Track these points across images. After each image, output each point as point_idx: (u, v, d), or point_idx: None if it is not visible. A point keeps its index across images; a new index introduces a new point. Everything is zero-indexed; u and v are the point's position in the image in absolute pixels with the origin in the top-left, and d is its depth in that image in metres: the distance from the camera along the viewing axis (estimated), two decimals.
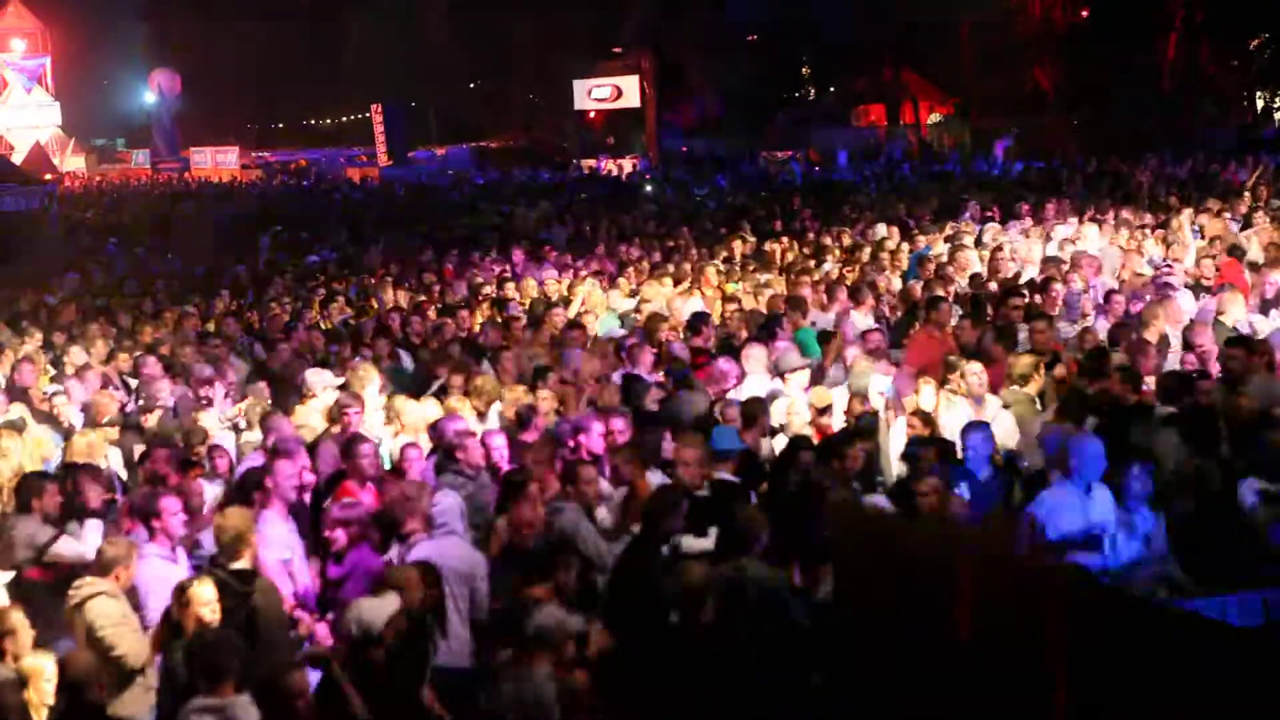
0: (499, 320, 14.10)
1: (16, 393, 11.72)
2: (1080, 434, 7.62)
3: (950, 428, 9.23)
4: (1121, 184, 24.29)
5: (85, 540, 7.75)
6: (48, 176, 52.09)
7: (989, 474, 8.15)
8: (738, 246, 18.31)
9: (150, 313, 16.42)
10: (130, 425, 10.71)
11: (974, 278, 14.25)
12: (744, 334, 12.27)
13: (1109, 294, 12.46)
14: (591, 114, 56.81)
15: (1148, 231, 16.78)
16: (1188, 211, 17.86)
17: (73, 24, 65.61)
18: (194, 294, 18.07)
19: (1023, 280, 14.21)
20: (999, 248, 15.86)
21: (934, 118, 53.13)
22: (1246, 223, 16.97)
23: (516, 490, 7.76)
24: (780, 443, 9.38)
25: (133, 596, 7.13)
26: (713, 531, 7.48)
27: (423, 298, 16.38)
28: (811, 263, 16.49)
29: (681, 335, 12.36)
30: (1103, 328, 11.57)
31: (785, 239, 18.83)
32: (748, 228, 20.48)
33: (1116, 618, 5.54)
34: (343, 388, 10.96)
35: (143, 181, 56.01)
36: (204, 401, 11.17)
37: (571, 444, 8.90)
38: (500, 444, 8.97)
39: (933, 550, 6.51)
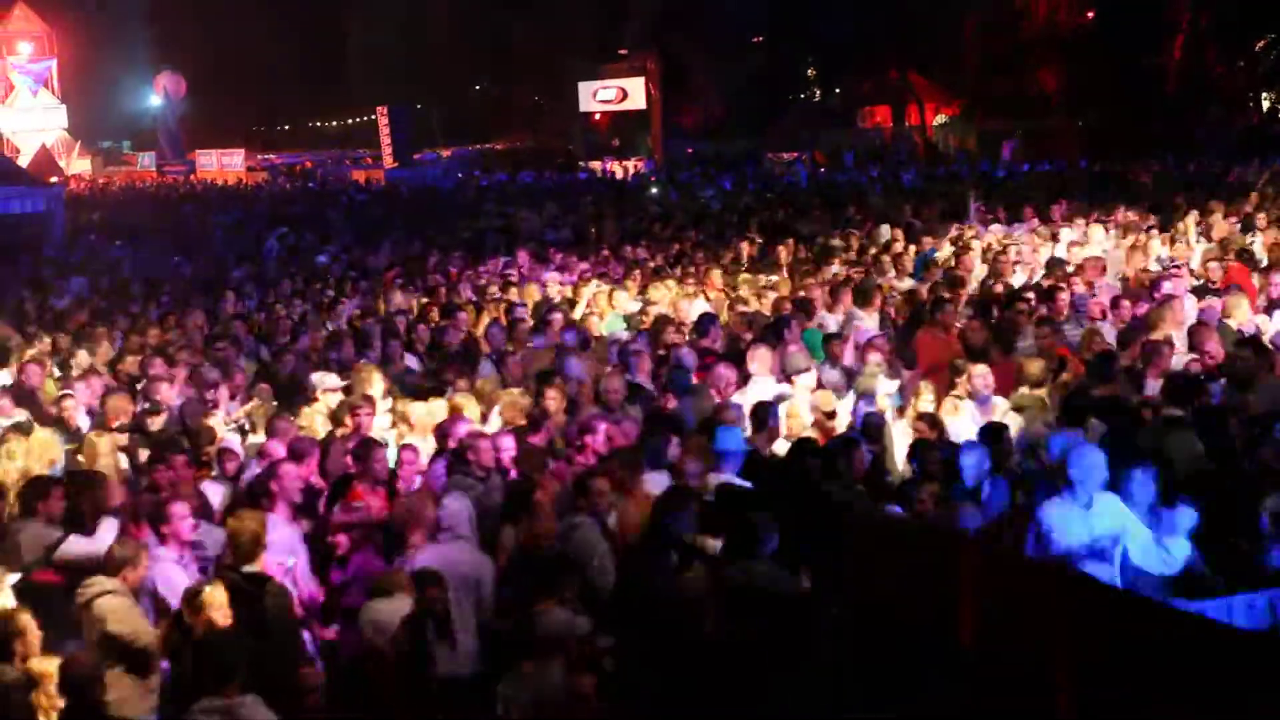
0: (504, 323, 14.10)
1: (23, 395, 11.73)
2: (1081, 444, 7.58)
3: (957, 431, 9.22)
4: (1126, 185, 24.26)
5: (99, 539, 7.75)
6: (54, 179, 52.12)
7: (989, 486, 8.14)
8: (745, 248, 18.31)
9: (156, 316, 16.43)
10: (136, 428, 10.71)
11: (983, 281, 14.26)
12: (748, 336, 12.26)
13: (1116, 298, 12.45)
14: (596, 116, 56.84)
15: (1154, 232, 16.78)
16: (1194, 213, 17.84)
17: (79, 27, 65.73)
18: (200, 296, 18.09)
19: (1026, 282, 14.21)
20: (1003, 250, 15.86)
21: (939, 119, 53.13)
22: (1247, 224, 16.95)
23: (524, 500, 7.77)
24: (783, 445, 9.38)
25: (148, 599, 7.15)
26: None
27: (428, 300, 16.38)
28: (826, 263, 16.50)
29: (688, 338, 12.35)
30: (1109, 331, 11.57)
31: (791, 241, 18.83)
32: (755, 229, 20.49)
33: (1120, 620, 5.54)
34: (347, 390, 10.98)
35: (148, 184, 56.10)
36: (210, 404, 11.19)
37: (578, 444, 8.93)
38: (509, 445, 8.95)
39: (936, 553, 6.52)
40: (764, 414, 9.39)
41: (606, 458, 8.60)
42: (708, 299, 14.60)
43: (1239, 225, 16.92)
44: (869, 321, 12.87)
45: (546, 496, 7.92)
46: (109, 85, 70.37)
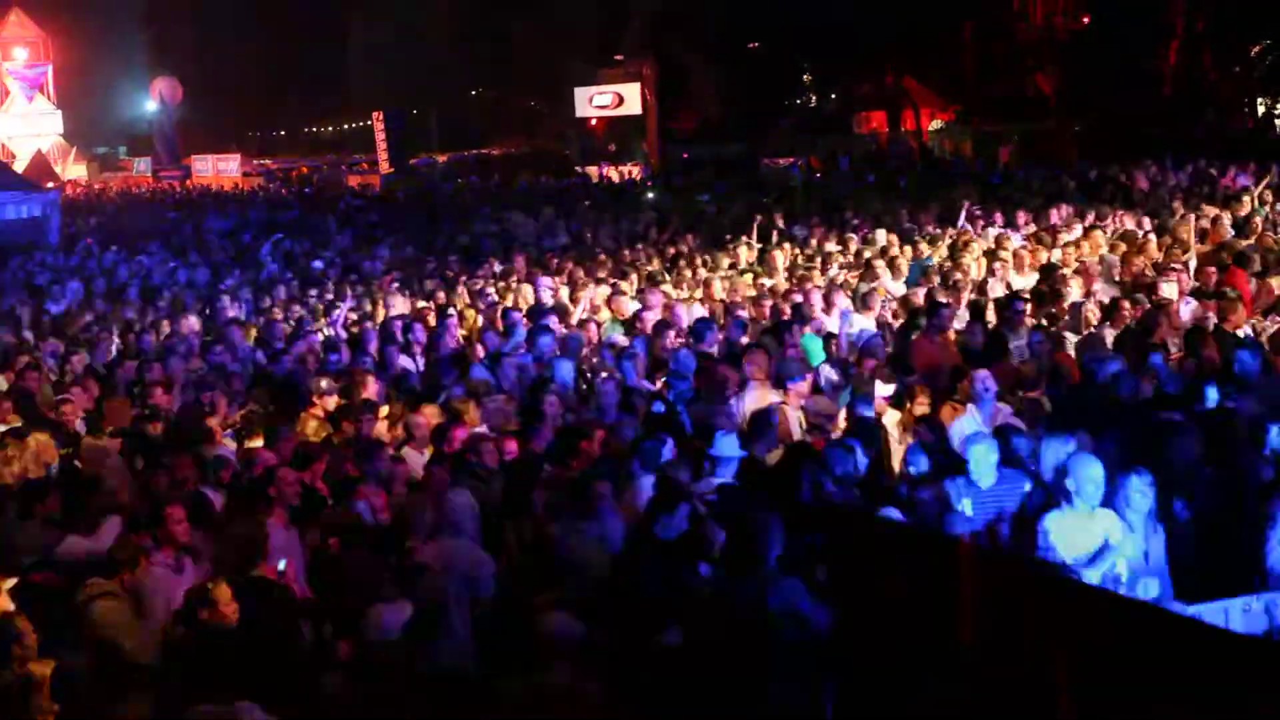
0: (499, 327, 14.11)
1: (20, 400, 11.72)
2: (1079, 454, 7.57)
3: (959, 435, 9.22)
4: (1122, 190, 24.27)
5: (100, 538, 7.74)
6: (49, 185, 52.13)
7: (993, 484, 8.13)
8: (743, 253, 18.31)
9: (152, 320, 16.43)
10: (132, 433, 10.70)
11: (978, 285, 14.28)
12: (744, 341, 12.27)
13: (1114, 301, 12.46)
14: (593, 121, 56.90)
15: (1151, 237, 16.79)
16: (1191, 217, 17.85)
17: (74, 32, 65.70)
18: (197, 301, 18.09)
19: (1021, 287, 14.23)
20: (997, 254, 15.88)
21: (935, 124, 53.21)
22: (1240, 229, 16.98)
23: (523, 500, 7.80)
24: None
25: (139, 602, 7.15)
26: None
27: (424, 305, 16.38)
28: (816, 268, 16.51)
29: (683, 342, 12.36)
30: (1107, 335, 11.58)
31: (787, 245, 18.84)
32: (753, 234, 20.49)
33: (1119, 623, 5.54)
34: (343, 395, 10.98)
35: (144, 189, 56.08)
36: (207, 408, 11.18)
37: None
38: (514, 447, 8.99)
39: (934, 556, 6.52)
40: (762, 421, 9.39)
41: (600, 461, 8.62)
42: (704, 304, 14.62)
43: (1233, 230, 16.95)
44: (865, 324, 12.87)
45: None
46: (104, 91, 70.39)
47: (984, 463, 8.10)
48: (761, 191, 32.20)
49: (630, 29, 55.98)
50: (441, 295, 16.90)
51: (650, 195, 33.92)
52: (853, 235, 19.53)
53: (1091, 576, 6.96)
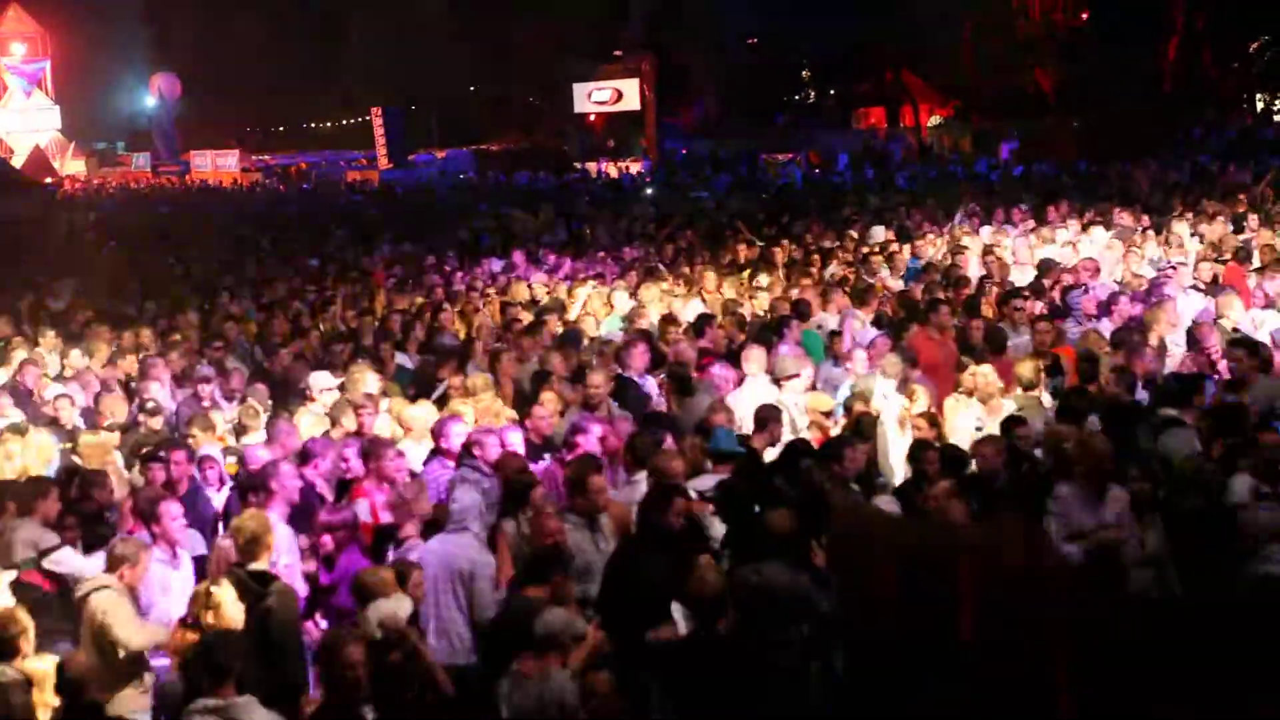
0: (497, 322, 14.13)
1: (19, 395, 11.72)
2: (1092, 438, 7.60)
3: (960, 430, 9.22)
4: (1121, 186, 24.27)
5: (92, 561, 7.72)
6: (48, 180, 52.12)
7: (1000, 482, 8.15)
8: (742, 250, 18.31)
9: (151, 316, 16.42)
10: (128, 428, 10.70)
11: (980, 281, 14.29)
12: (740, 338, 12.28)
13: (1113, 296, 12.47)
14: (592, 117, 56.86)
15: (1150, 234, 16.80)
16: (1189, 215, 17.88)
17: (73, 27, 65.60)
18: (195, 297, 18.08)
19: (1017, 282, 14.23)
20: (994, 251, 15.90)
21: (934, 120, 53.17)
22: (1239, 226, 16.99)
23: (522, 496, 7.79)
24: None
25: (141, 597, 7.16)
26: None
27: (424, 300, 16.38)
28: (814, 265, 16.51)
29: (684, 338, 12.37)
30: (1106, 329, 11.58)
31: (785, 241, 18.84)
32: (750, 230, 20.50)
33: (1120, 617, 5.54)
34: (341, 390, 10.98)
35: (143, 185, 56.01)
36: (205, 404, 11.19)
37: (570, 444, 8.94)
38: (517, 441, 8.99)
39: (935, 550, 6.51)
40: (764, 417, 9.38)
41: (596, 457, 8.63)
42: (703, 300, 14.62)
43: (1231, 226, 16.96)
44: (865, 320, 12.88)
45: (542, 493, 7.94)
46: (103, 86, 70.26)
47: (992, 463, 8.17)
48: (760, 188, 32.19)
49: (629, 25, 55.94)
50: (440, 291, 16.90)
51: (649, 191, 33.89)
52: (852, 232, 19.54)
53: (1089, 553, 7.02)
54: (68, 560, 7.77)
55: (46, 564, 7.72)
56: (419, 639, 6.75)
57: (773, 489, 8.40)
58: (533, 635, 6.15)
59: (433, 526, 7.86)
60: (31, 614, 6.65)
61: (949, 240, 17.71)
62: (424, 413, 10.00)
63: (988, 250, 16.10)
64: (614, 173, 44.80)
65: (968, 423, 9.38)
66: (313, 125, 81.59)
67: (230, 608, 6.55)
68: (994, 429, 9.05)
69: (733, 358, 11.20)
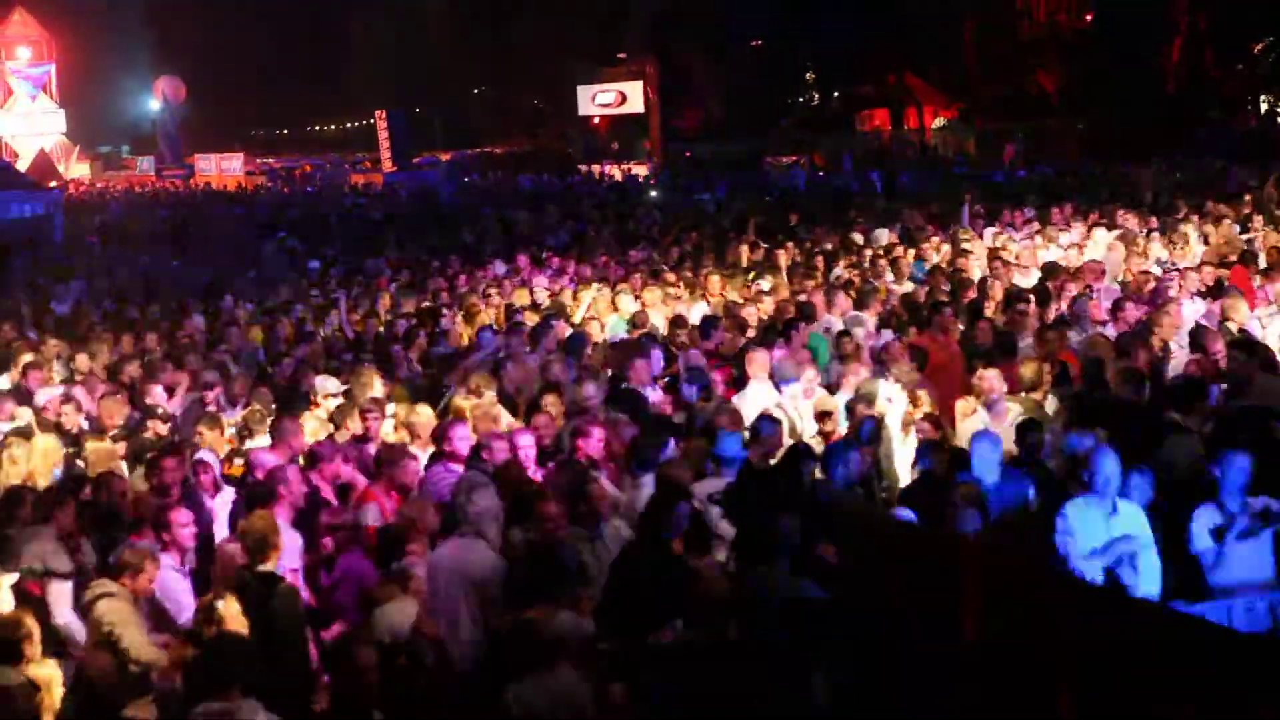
0: (499, 326, 14.13)
1: (23, 399, 11.74)
2: (1102, 449, 7.56)
3: (968, 434, 9.21)
4: (1125, 188, 24.26)
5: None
6: (52, 184, 52.16)
7: (998, 480, 8.14)
8: (744, 252, 18.31)
9: (155, 320, 16.44)
10: (131, 433, 10.70)
11: (980, 283, 14.26)
12: (741, 341, 12.28)
13: (1119, 301, 12.44)
14: (596, 120, 56.89)
15: (1154, 235, 16.77)
16: (1195, 217, 17.85)
17: (78, 32, 65.75)
18: (199, 301, 18.10)
19: (1021, 285, 14.21)
20: (998, 254, 15.87)
21: (938, 122, 53.16)
22: (1244, 227, 16.97)
23: (528, 502, 7.78)
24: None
25: (148, 606, 7.16)
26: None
27: (429, 304, 16.38)
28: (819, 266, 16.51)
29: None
30: (1111, 333, 11.56)
31: (790, 244, 18.83)
32: (754, 232, 20.51)
33: (1122, 621, 5.54)
34: (346, 394, 10.98)
35: (147, 188, 56.09)
36: (210, 409, 11.18)
37: (571, 448, 8.94)
38: (528, 443, 8.98)
39: (939, 553, 6.52)
40: (765, 420, 9.37)
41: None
42: (708, 302, 14.62)
43: (1237, 227, 16.95)
44: (869, 324, 12.87)
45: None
46: (108, 90, 70.43)
47: (988, 460, 8.12)
48: (764, 190, 32.21)
49: (633, 27, 55.98)
50: (445, 294, 16.91)
51: (653, 194, 33.92)
52: (857, 235, 19.53)
53: (1101, 566, 6.98)
54: (62, 602, 7.68)
55: (50, 595, 7.66)
56: (426, 644, 6.75)
57: (777, 493, 8.42)
58: (540, 639, 6.14)
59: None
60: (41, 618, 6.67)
61: (953, 243, 17.68)
62: (428, 417, 10.00)
63: (992, 253, 16.08)
64: (618, 175, 44.82)
65: (975, 426, 9.34)
66: (317, 128, 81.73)
67: (234, 621, 6.54)
68: (997, 429, 9.03)
69: (737, 360, 11.22)
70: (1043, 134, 42.70)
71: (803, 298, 13.89)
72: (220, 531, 8.71)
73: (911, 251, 17.13)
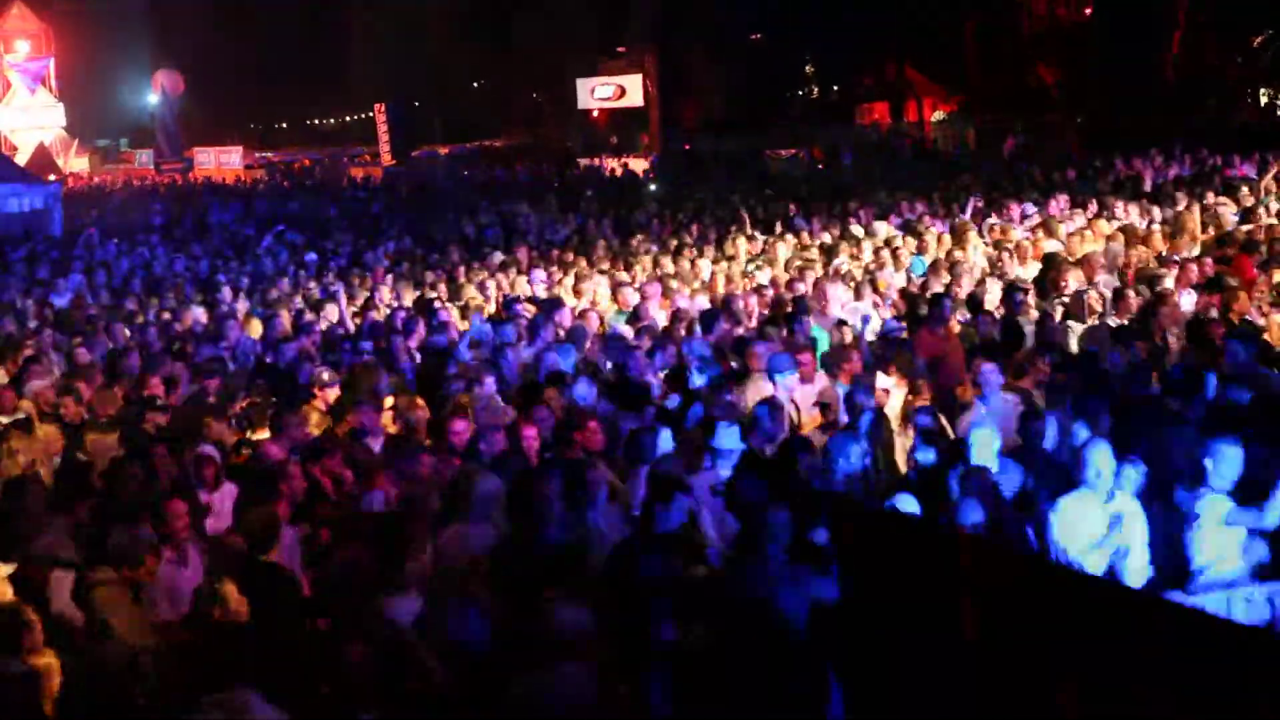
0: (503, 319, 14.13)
1: (24, 390, 11.74)
2: (1092, 440, 7.58)
3: (966, 425, 9.21)
4: (1126, 180, 24.25)
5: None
6: (51, 177, 52.12)
7: (996, 471, 8.14)
8: (742, 245, 18.32)
9: (154, 313, 16.44)
10: (130, 423, 10.70)
11: (983, 275, 14.28)
12: (739, 332, 12.29)
13: (1119, 291, 12.46)
14: (595, 113, 56.84)
15: (1155, 227, 16.78)
16: (1196, 207, 17.85)
17: (76, 25, 65.65)
18: (199, 293, 18.11)
19: (1023, 278, 14.22)
20: (1000, 244, 15.88)
21: (938, 115, 53.12)
22: (1245, 218, 16.98)
23: (526, 491, 7.79)
24: None
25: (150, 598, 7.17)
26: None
27: (428, 296, 16.39)
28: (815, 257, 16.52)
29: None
30: (1113, 325, 11.58)
31: (789, 236, 18.84)
32: (746, 225, 20.51)
33: (1123, 616, 5.54)
34: (344, 387, 10.98)
35: (146, 182, 56.05)
36: (210, 400, 11.20)
37: (568, 440, 8.96)
38: (531, 433, 8.99)
39: (937, 549, 6.51)
40: (764, 412, 9.37)
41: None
42: (708, 294, 14.63)
43: (1238, 219, 16.96)
44: (869, 314, 12.89)
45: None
46: (106, 83, 70.32)
47: (985, 450, 8.13)
48: (764, 183, 32.18)
49: (632, 20, 55.92)
50: (443, 287, 16.91)
51: (653, 187, 33.90)
52: (857, 227, 19.53)
53: (1098, 559, 6.99)
54: (61, 592, 7.68)
55: (50, 584, 7.66)
56: (422, 638, 6.74)
57: (775, 485, 8.42)
58: (544, 632, 6.13)
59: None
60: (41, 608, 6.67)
61: (953, 234, 17.68)
62: (422, 409, 10.02)
63: (994, 245, 16.09)
64: (618, 169, 44.80)
65: (973, 418, 9.34)
66: (316, 121, 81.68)
67: (234, 610, 6.55)
68: (995, 420, 9.03)
69: (736, 352, 11.23)
70: (1043, 127, 42.65)
71: (801, 289, 13.90)
72: (221, 526, 8.71)
73: (911, 243, 17.13)
